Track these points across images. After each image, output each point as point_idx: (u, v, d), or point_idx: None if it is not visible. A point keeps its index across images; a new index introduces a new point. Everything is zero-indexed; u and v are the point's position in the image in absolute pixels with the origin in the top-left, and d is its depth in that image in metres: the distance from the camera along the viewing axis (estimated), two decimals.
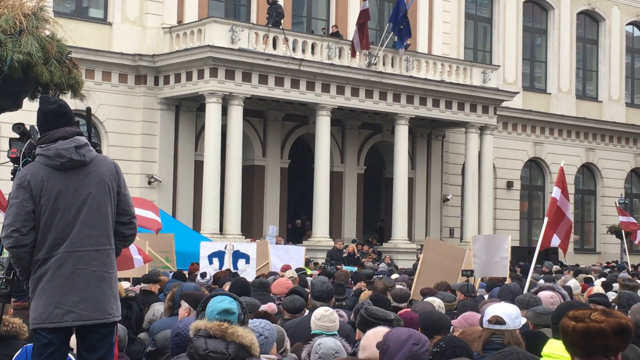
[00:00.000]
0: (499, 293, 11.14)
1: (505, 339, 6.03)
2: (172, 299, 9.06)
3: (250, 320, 6.83)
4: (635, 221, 32.24)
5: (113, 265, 5.97)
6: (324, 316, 7.73)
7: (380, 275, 18.84)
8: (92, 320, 5.78)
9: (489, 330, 6.08)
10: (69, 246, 5.79)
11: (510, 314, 6.20)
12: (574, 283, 13.84)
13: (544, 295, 8.87)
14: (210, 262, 18.45)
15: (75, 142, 5.85)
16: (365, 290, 13.39)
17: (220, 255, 18.71)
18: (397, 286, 12.87)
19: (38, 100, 6.47)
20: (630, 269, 26.83)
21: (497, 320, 6.09)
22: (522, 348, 5.84)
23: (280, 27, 30.76)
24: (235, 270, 17.45)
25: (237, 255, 18.74)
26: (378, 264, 27.80)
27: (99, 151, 6.58)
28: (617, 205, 32.73)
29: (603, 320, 4.08)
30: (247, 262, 18.65)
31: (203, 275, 14.27)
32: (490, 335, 6.05)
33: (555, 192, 14.37)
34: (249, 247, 19.38)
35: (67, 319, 5.73)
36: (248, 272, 17.70)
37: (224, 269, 17.75)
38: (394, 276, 17.96)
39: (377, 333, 5.83)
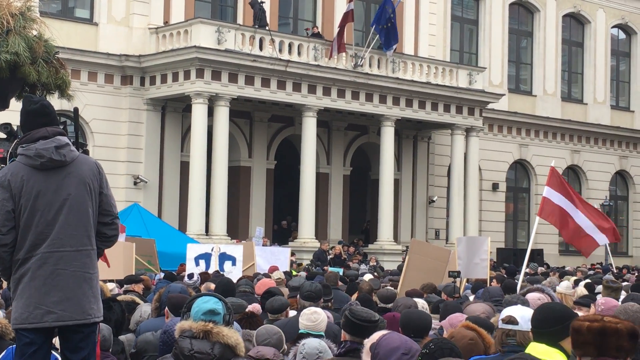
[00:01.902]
0: (481, 295, 11.19)
1: (517, 340, 6.09)
2: (159, 300, 9.07)
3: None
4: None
5: (94, 266, 5.95)
6: (311, 316, 7.75)
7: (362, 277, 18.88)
8: (72, 320, 5.77)
9: (502, 330, 6.13)
10: (49, 246, 5.78)
11: (524, 316, 6.28)
12: (564, 284, 13.86)
13: (532, 297, 8.90)
14: (197, 264, 18.46)
15: (56, 142, 5.83)
16: None
17: (206, 257, 18.73)
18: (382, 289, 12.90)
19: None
20: (614, 271, 26.94)
21: (510, 320, 6.15)
22: None
23: (267, 27, 30.76)
24: (222, 273, 17.47)
25: (223, 257, 18.75)
26: (365, 265, 27.86)
27: (86, 152, 6.60)
28: (599, 209, 32.86)
29: (618, 322, 4.16)
30: (234, 264, 18.67)
31: (190, 276, 14.30)
32: (505, 336, 6.10)
33: (547, 192, 14.40)
34: (236, 249, 19.39)
35: (47, 319, 5.73)
36: (234, 274, 17.71)
37: (210, 270, 17.77)
38: (367, 277, 17.97)
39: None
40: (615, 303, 8.74)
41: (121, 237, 19.19)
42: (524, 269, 14.33)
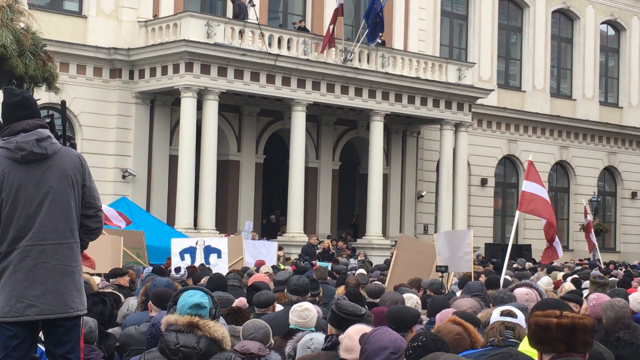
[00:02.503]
0: (463, 290, 11.21)
1: (516, 333, 6.12)
2: (145, 294, 9.07)
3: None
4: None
5: (76, 259, 5.92)
6: (302, 313, 7.75)
7: (352, 271, 18.90)
8: (54, 314, 5.75)
9: (501, 322, 6.16)
10: (30, 240, 5.76)
11: (520, 314, 6.34)
12: (546, 280, 13.93)
13: (519, 292, 8.92)
14: (182, 259, 18.44)
15: (37, 135, 5.80)
16: None
17: (191, 251, 18.71)
18: (371, 283, 12.91)
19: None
20: (602, 267, 27.03)
21: (509, 313, 6.18)
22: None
23: (257, 22, 30.72)
24: (207, 265, 17.44)
25: (208, 250, 18.72)
26: (349, 260, 27.86)
27: (74, 145, 6.56)
28: (586, 205, 32.99)
29: (583, 317, 4.19)
30: (219, 256, 18.64)
31: (177, 270, 14.29)
32: (504, 328, 6.13)
33: (526, 186, 14.46)
34: (221, 242, 19.36)
35: (29, 312, 5.71)
36: (220, 267, 17.69)
37: (196, 264, 17.75)
38: (361, 271, 18.00)
39: (360, 332, 5.85)
40: (607, 299, 8.76)
41: (121, 223, 19.24)
42: (505, 264, 14.36)
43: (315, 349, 6.87)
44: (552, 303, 6.96)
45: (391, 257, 25.53)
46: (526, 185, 14.51)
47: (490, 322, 6.32)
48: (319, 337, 6.98)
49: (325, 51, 31.68)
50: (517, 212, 14.94)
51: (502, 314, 6.22)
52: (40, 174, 5.81)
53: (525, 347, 5.83)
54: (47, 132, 5.87)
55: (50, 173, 5.82)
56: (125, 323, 8.69)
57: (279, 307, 9.40)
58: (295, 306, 7.97)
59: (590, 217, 31.03)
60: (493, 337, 6.11)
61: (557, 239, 15.11)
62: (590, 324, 4.17)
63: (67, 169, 5.88)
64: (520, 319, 6.28)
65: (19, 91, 6.12)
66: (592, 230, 29.33)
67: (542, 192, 14.68)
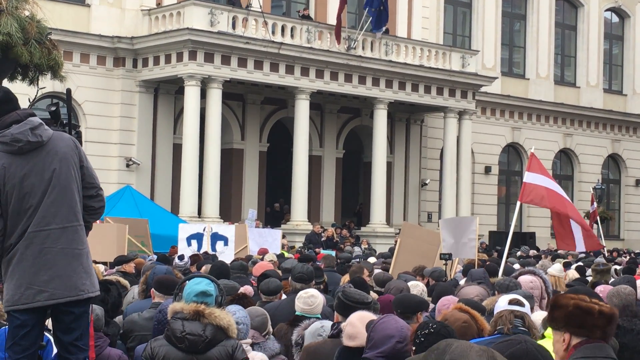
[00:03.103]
0: (466, 277, 11.21)
1: (527, 319, 6.13)
2: (145, 282, 9.09)
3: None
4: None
5: (82, 242, 5.91)
6: (308, 300, 7.76)
7: (357, 260, 18.93)
8: (64, 298, 5.74)
9: (510, 311, 6.16)
10: (34, 226, 5.76)
11: (525, 302, 6.34)
12: (557, 267, 13.90)
13: (524, 279, 8.90)
14: (189, 244, 18.47)
15: (30, 124, 5.79)
16: None
17: (198, 237, 18.73)
18: (376, 270, 12.92)
19: None
20: (605, 254, 27.02)
21: (518, 302, 6.19)
22: (538, 333, 5.97)
23: (260, 10, 30.67)
24: (213, 252, 17.46)
25: (215, 237, 18.75)
26: (359, 248, 27.89)
27: (79, 133, 6.56)
28: (592, 192, 32.99)
29: (613, 308, 4.22)
30: (226, 244, 18.68)
31: (181, 257, 14.31)
32: (513, 317, 6.13)
33: (527, 177, 14.47)
34: (228, 229, 19.40)
35: (39, 298, 5.71)
36: (226, 254, 17.73)
37: (202, 251, 17.78)
38: (371, 260, 18.02)
39: (363, 319, 5.85)
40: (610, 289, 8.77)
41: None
42: (506, 252, 14.38)
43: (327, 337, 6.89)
44: (582, 290, 6.97)
45: (395, 245, 25.57)
46: (527, 177, 14.52)
47: (497, 310, 6.32)
48: (330, 325, 7.00)
49: (339, 41, 31.59)
50: (518, 203, 14.97)
51: (511, 302, 6.22)
52: (41, 161, 5.81)
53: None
54: (38, 120, 5.87)
55: (49, 158, 5.83)
56: (126, 311, 8.71)
57: (284, 296, 9.42)
58: (301, 293, 7.98)
59: (595, 205, 31.04)
60: (502, 326, 6.11)
61: (579, 231, 14.96)
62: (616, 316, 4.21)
63: (64, 152, 5.89)
64: (527, 308, 6.29)
65: None
66: (597, 218, 29.33)
67: (548, 182, 14.65)
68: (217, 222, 27.08)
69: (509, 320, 6.09)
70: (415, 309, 7.10)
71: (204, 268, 12.24)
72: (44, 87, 16.36)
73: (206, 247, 18.36)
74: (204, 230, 18.88)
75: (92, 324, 6.07)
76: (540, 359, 3.64)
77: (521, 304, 6.22)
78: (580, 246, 15.17)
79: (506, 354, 3.87)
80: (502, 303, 6.29)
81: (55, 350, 6.01)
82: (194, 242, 18.58)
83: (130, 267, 13.02)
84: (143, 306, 8.56)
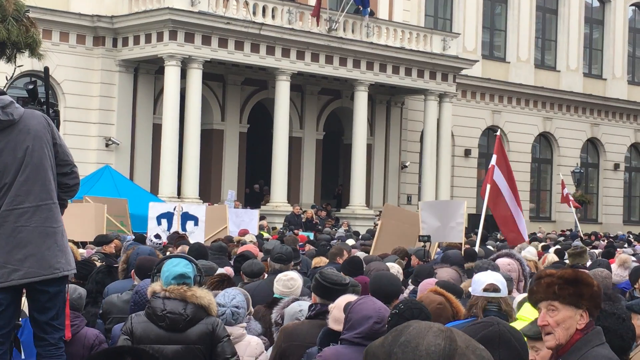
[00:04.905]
0: (441, 259, 11.21)
1: (503, 306, 6.12)
2: (126, 262, 9.05)
3: (224, 291, 6.87)
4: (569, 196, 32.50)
5: (57, 220, 5.87)
6: (287, 282, 7.75)
7: (336, 241, 18.94)
8: (39, 276, 5.70)
9: (484, 298, 6.15)
10: (8, 204, 5.72)
11: (502, 282, 6.31)
12: (531, 250, 13.97)
13: (501, 262, 8.94)
14: (159, 223, 18.39)
15: (0, 102, 5.75)
16: None
17: (168, 216, 18.65)
18: (357, 253, 12.91)
19: None
20: (582, 237, 27.17)
21: (494, 289, 6.17)
22: (514, 315, 5.97)
23: None
24: (183, 232, 17.34)
25: (185, 216, 18.67)
26: (336, 230, 27.91)
27: (57, 112, 6.51)
28: (563, 178, 33.29)
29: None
30: (196, 224, 18.60)
31: (157, 237, 14.24)
32: (487, 303, 6.12)
33: (494, 160, 14.65)
34: (198, 209, 19.31)
35: (14, 277, 5.67)
36: (196, 235, 17.65)
37: (172, 230, 17.71)
38: (350, 242, 18.03)
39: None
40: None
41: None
42: (479, 235, 14.49)
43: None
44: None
45: (375, 227, 25.60)
46: (493, 159, 14.80)
47: (472, 295, 6.31)
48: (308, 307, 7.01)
49: (315, 20, 31.50)
50: (488, 186, 15.08)
51: (486, 289, 6.20)
52: (13, 139, 5.76)
53: (527, 312, 5.88)
54: (9, 98, 5.82)
55: (22, 136, 5.77)
56: (107, 291, 8.67)
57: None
58: (280, 275, 7.97)
59: (567, 190, 31.27)
60: (476, 312, 6.11)
61: (521, 221, 15.16)
62: None
63: (37, 130, 5.83)
64: (504, 292, 6.27)
65: None
66: (571, 202, 29.57)
67: (500, 179, 14.88)
68: (197, 202, 27.02)
69: (482, 308, 6.09)
70: (393, 298, 7.05)
71: (180, 248, 12.20)
72: (22, 65, 16.25)
73: (176, 226, 18.29)
74: (174, 209, 18.80)
75: (67, 303, 6.03)
76: (513, 341, 3.64)
77: (497, 290, 6.20)
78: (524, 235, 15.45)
79: (478, 337, 3.87)
80: (477, 287, 6.27)
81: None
82: (164, 222, 18.50)
83: (110, 248, 12.98)
84: (123, 286, 8.52)
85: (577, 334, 4.03)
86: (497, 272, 8.14)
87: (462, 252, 12.56)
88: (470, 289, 6.44)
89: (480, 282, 6.28)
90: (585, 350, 3.96)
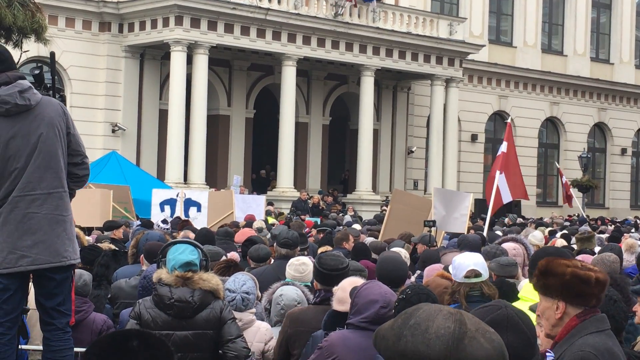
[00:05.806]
0: (458, 242, 11.20)
1: (485, 290, 6.10)
2: (136, 246, 9.06)
3: (233, 276, 6.87)
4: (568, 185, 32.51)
5: (67, 208, 5.87)
6: (299, 267, 7.76)
7: (342, 227, 18.90)
8: (47, 264, 5.71)
9: (466, 284, 6.13)
10: (19, 190, 5.72)
11: (482, 264, 6.29)
12: (538, 235, 13.94)
13: (507, 246, 8.94)
14: (162, 210, 18.43)
15: (19, 86, 5.72)
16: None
17: (172, 202, 18.67)
18: (369, 239, 12.89)
19: None
20: (590, 222, 27.14)
21: (475, 274, 6.16)
22: (497, 296, 5.95)
23: None
24: (186, 218, 17.36)
25: (188, 203, 18.69)
26: (343, 215, 27.90)
27: (63, 97, 6.50)
28: (559, 167, 33.32)
29: (606, 274, 4.18)
30: (199, 210, 18.62)
31: (164, 221, 14.26)
32: (469, 289, 6.11)
33: (504, 147, 14.70)
34: (201, 195, 19.33)
35: (22, 263, 5.68)
36: (199, 220, 17.65)
37: (175, 216, 17.75)
38: (357, 227, 18.02)
39: (355, 284, 5.84)
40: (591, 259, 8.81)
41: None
42: (487, 221, 14.51)
43: (286, 305, 6.91)
44: (552, 252, 6.94)
45: (381, 212, 25.59)
46: (504, 147, 14.87)
47: (454, 281, 6.30)
48: (290, 294, 7.05)
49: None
50: (497, 172, 15.13)
51: (467, 276, 6.19)
52: (27, 124, 5.76)
53: (527, 293, 5.87)
54: (27, 83, 5.80)
55: (36, 123, 5.77)
56: (116, 276, 8.69)
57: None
58: (292, 260, 7.98)
59: (565, 179, 31.29)
60: (458, 298, 6.11)
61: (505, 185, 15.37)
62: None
63: (51, 118, 5.82)
64: (485, 275, 6.25)
65: None
66: (570, 192, 29.65)
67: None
68: (203, 188, 27.04)
69: (464, 295, 6.09)
70: (399, 283, 7.04)
71: (182, 233, 12.21)
72: (28, 51, 16.23)
73: (179, 212, 18.31)
74: (177, 195, 18.82)
75: (73, 290, 6.04)
76: (521, 324, 3.63)
77: (478, 275, 6.19)
78: (507, 196, 15.60)
79: (486, 320, 3.87)
80: (458, 273, 6.26)
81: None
82: (167, 208, 18.52)
83: (119, 233, 13.02)
84: (131, 271, 8.53)
85: (573, 321, 4.00)
86: (505, 256, 8.16)
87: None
88: (452, 273, 6.43)
89: (460, 267, 6.25)
90: (576, 338, 3.94)
